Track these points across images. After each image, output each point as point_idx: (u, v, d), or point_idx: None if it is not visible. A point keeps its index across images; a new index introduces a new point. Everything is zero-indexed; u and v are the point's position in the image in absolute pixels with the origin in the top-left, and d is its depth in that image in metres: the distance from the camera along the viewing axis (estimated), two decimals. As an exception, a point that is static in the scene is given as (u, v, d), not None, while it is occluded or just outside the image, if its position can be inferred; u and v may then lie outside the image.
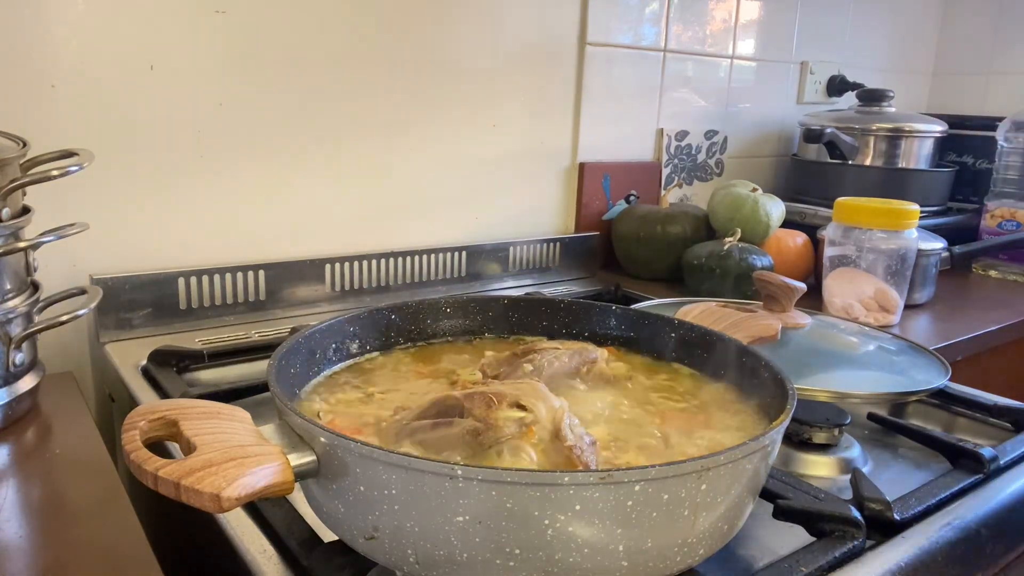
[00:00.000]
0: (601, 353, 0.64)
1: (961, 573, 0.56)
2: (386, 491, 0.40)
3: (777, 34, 1.61)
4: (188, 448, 0.42)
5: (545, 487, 0.38)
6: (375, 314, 0.66)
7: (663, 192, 1.46)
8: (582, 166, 1.32)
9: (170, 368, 0.78)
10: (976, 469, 0.63)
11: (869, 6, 1.79)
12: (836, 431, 0.67)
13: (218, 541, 0.52)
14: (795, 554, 0.50)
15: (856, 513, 0.52)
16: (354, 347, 0.65)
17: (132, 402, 0.74)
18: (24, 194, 0.66)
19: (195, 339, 0.88)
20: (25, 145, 0.66)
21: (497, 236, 1.23)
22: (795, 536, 0.53)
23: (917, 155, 1.50)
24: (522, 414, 0.48)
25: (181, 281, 0.92)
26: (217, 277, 0.94)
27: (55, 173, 0.62)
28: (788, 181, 1.66)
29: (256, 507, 0.53)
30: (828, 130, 1.51)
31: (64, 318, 0.66)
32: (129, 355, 0.83)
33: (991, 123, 1.61)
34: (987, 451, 0.65)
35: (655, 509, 0.40)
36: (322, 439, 0.42)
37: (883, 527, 0.54)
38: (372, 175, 1.09)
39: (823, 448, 0.67)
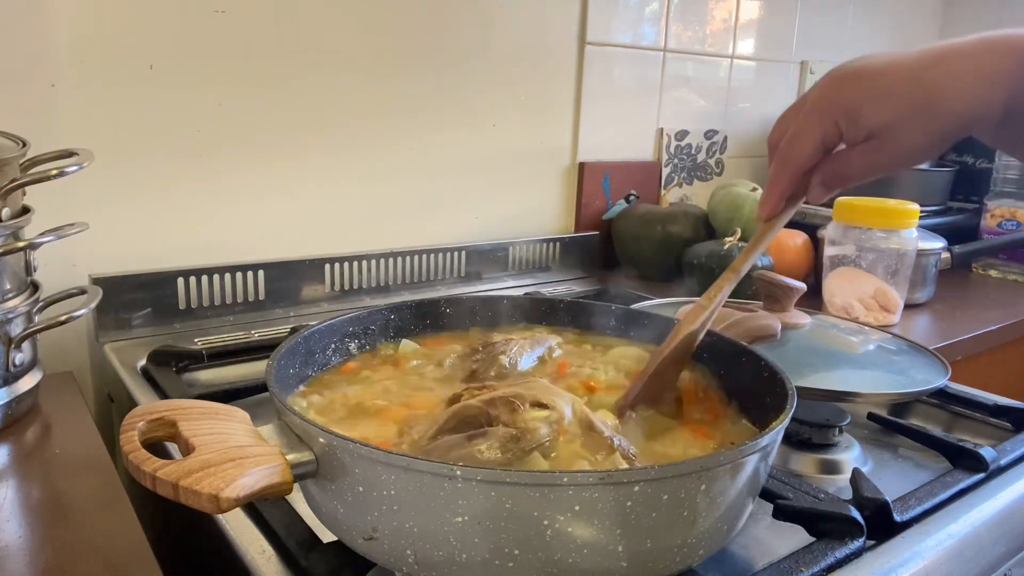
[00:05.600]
0: (555, 339, 0.64)
1: (961, 574, 0.56)
2: (385, 491, 0.40)
3: (777, 34, 1.60)
4: (187, 449, 0.42)
5: (544, 487, 0.38)
6: (375, 314, 0.66)
7: (663, 192, 1.46)
8: (582, 166, 1.32)
9: (169, 368, 0.78)
10: (976, 469, 0.63)
11: (869, 6, 1.79)
12: (836, 431, 0.67)
13: (217, 541, 0.52)
14: (795, 554, 0.50)
15: (856, 513, 0.52)
16: (353, 347, 0.65)
17: (131, 402, 0.74)
18: (24, 194, 0.66)
19: (194, 339, 0.88)
20: (25, 145, 0.66)
21: (497, 236, 1.23)
22: (795, 536, 0.53)
23: (917, 155, 1.49)
24: (547, 412, 0.48)
25: (180, 281, 0.92)
26: (216, 277, 0.94)
27: (55, 173, 0.62)
28: (788, 181, 1.65)
29: (255, 507, 0.53)
30: (828, 130, 1.50)
31: (63, 318, 0.66)
32: (128, 355, 0.83)
33: (991, 123, 1.61)
34: (987, 451, 0.64)
35: (654, 509, 0.40)
36: (321, 439, 0.42)
37: (883, 527, 0.54)
38: (372, 175, 1.09)
39: (823, 448, 0.67)
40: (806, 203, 0.56)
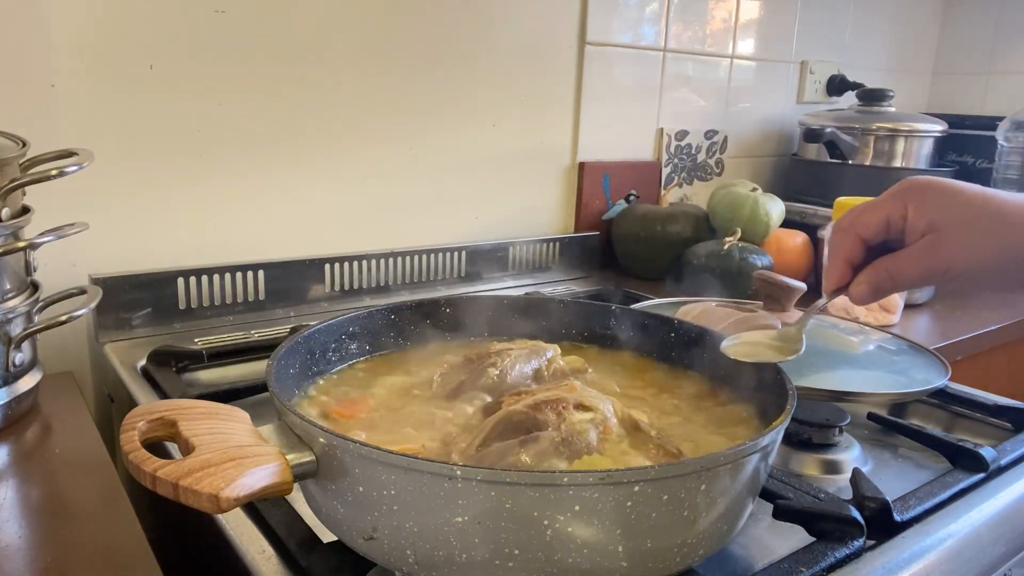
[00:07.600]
0: (555, 349, 0.64)
1: (961, 574, 0.56)
2: (385, 491, 0.40)
3: (777, 34, 1.60)
4: (187, 448, 0.42)
5: (544, 487, 0.38)
6: (375, 314, 0.66)
7: (663, 192, 1.46)
8: (582, 166, 1.32)
9: (169, 368, 0.78)
10: (976, 469, 0.63)
11: (869, 6, 1.79)
12: (836, 431, 0.67)
13: (217, 541, 0.52)
14: (795, 554, 0.50)
15: (856, 513, 0.52)
16: (353, 347, 0.65)
17: (131, 402, 0.74)
18: (24, 194, 0.66)
19: (194, 339, 0.88)
20: (25, 145, 0.66)
21: (497, 236, 1.23)
22: (795, 536, 0.53)
23: (917, 155, 1.50)
24: (592, 415, 0.48)
25: (180, 281, 0.92)
26: (216, 277, 0.94)
27: (55, 173, 0.62)
28: (788, 181, 1.65)
29: (255, 507, 0.53)
30: (828, 130, 1.51)
31: (63, 318, 0.66)
32: (128, 355, 0.83)
33: (991, 123, 1.61)
34: (987, 451, 0.64)
35: (654, 509, 0.40)
36: (321, 439, 0.42)
37: (883, 527, 0.54)
38: (372, 175, 1.09)
39: (823, 448, 0.67)
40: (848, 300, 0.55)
